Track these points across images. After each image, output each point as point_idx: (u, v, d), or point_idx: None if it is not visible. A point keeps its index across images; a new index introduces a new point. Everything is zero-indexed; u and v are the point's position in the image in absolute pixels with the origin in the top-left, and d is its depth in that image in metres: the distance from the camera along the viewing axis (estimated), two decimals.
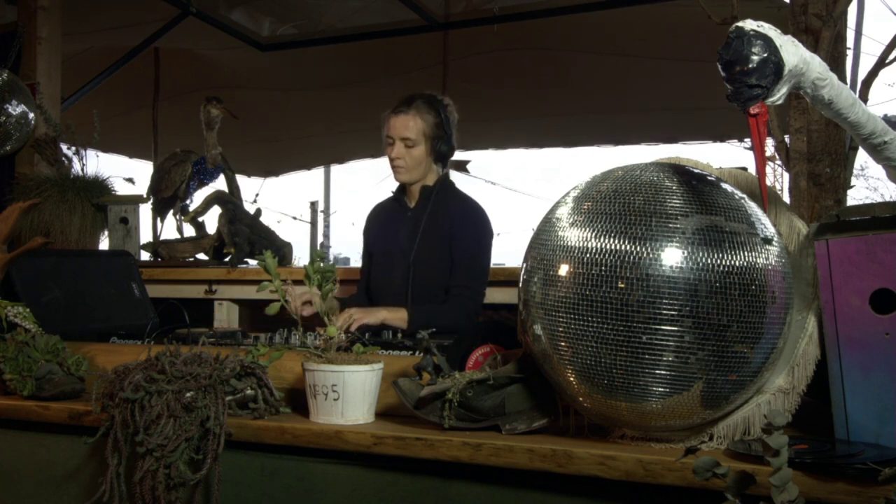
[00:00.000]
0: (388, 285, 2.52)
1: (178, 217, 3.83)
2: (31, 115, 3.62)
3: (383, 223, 2.63)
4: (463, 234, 2.46)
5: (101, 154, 3.83)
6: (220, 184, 3.85)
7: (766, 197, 1.30)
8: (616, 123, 5.69)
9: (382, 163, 2.57)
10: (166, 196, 3.77)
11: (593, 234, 1.24)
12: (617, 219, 1.23)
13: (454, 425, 1.38)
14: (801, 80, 1.24)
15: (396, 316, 2.31)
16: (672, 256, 1.19)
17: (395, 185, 2.64)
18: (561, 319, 1.24)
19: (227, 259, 3.65)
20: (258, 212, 3.73)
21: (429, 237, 2.47)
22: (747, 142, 5.55)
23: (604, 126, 5.77)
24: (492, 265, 2.58)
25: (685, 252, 1.19)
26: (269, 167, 6.97)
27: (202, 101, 3.64)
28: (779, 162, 2.68)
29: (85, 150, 3.63)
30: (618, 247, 1.21)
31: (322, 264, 1.54)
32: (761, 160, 1.25)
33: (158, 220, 3.91)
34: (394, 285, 2.49)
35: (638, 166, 1.34)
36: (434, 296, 2.47)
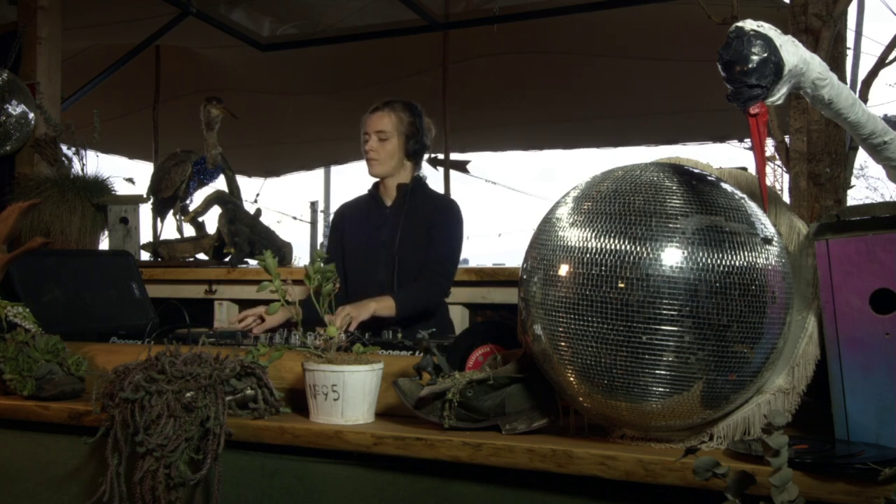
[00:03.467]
0: (373, 280, 2.59)
1: (178, 217, 3.83)
2: (31, 115, 3.62)
3: (360, 220, 2.71)
4: (438, 221, 2.60)
5: (101, 154, 3.83)
6: (220, 184, 3.86)
7: (766, 197, 1.30)
8: (616, 124, 5.69)
9: None
10: (166, 196, 3.77)
11: (593, 234, 1.24)
12: (617, 219, 1.23)
13: (454, 425, 1.38)
14: (801, 80, 1.24)
15: (384, 305, 2.39)
16: (672, 256, 1.19)
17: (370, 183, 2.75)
18: (561, 319, 1.24)
19: (227, 259, 3.66)
20: (258, 212, 3.73)
21: (410, 232, 2.58)
22: (747, 142, 5.55)
23: (604, 127, 5.77)
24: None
25: (685, 252, 1.19)
26: (270, 167, 6.97)
27: (202, 101, 3.65)
28: (779, 162, 2.68)
29: (85, 150, 3.63)
30: (618, 247, 1.21)
31: (322, 264, 1.54)
32: (761, 160, 1.25)
33: (158, 220, 3.91)
34: (378, 280, 2.57)
35: (638, 166, 1.34)
36: None
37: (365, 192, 2.77)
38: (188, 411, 1.41)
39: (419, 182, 2.67)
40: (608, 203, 1.26)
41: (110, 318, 2.35)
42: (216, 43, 5.29)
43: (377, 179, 2.68)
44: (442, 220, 2.60)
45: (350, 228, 2.70)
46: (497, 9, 4.67)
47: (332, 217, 2.92)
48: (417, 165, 2.69)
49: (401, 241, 2.57)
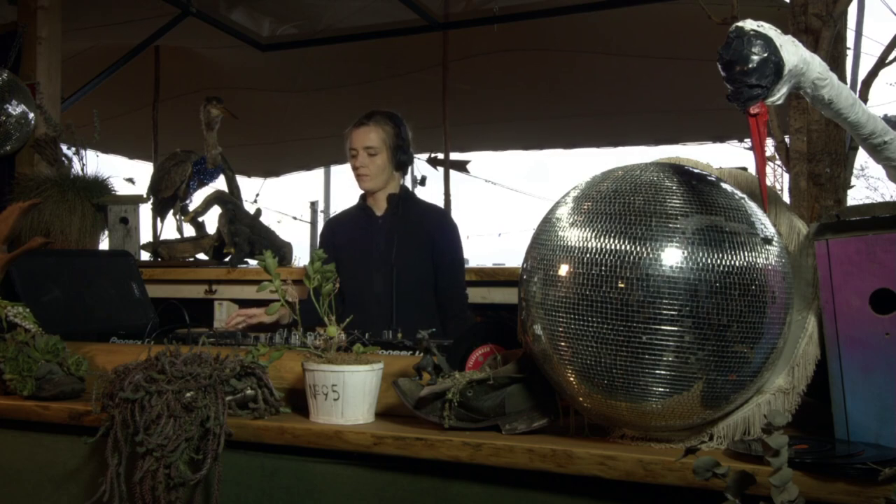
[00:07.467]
0: (369, 289, 2.62)
1: (178, 217, 3.83)
2: (31, 115, 3.61)
3: (352, 231, 2.74)
4: (444, 243, 2.66)
5: (101, 154, 3.82)
6: (220, 184, 3.85)
7: (766, 197, 1.30)
8: (616, 124, 5.68)
9: None
10: (166, 196, 3.77)
11: (593, 234, 1.24)
12: (617, 219, 1.23)
13: (454, 425, 1.38)
14: (801, 79, 1.24)
15: None
16: (672, 256, 1.19)
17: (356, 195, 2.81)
18: (561, 319, 1.24)
19: (227, 259, 3.65)
20: (258, 212, 3.73)
21: (406, 241, 2.63)
22: (747, 142, 5.54)
23: (603, 127, 5.77)
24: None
25: (685, 252, 1.19)
26: (270, 167, 6.97)
27: (202, 101, 3.64)
28: (779, 162, 2.68)
29: (85, 150, 3.63)
30: (618, 247, 1.21)
31: (322, 264, 1.54)
32: (761, 160, 1.25)
33: (158, 220, 3.90)
34: (375, 291, 2.61)
35: (638, 166, 1.34)
36: (415, 294, 2.61)
37: (353, 204, 2.81)
38: (188, 411, 1.41)
39: (407, 191, 2.75)
40: (608, 203, 1.26)
41: (110, 318, 2.35)
42: (216, 43, 5.29)
43: (363, 192, 2.73)
44: (445, 242, 2.66)
45: (342, 241, 2.73)
46: (497, 9, 4.67)
47: (320, 233, 2.95)
48: (404, 175, 2.77)
49: (397, 251, 2.61)
